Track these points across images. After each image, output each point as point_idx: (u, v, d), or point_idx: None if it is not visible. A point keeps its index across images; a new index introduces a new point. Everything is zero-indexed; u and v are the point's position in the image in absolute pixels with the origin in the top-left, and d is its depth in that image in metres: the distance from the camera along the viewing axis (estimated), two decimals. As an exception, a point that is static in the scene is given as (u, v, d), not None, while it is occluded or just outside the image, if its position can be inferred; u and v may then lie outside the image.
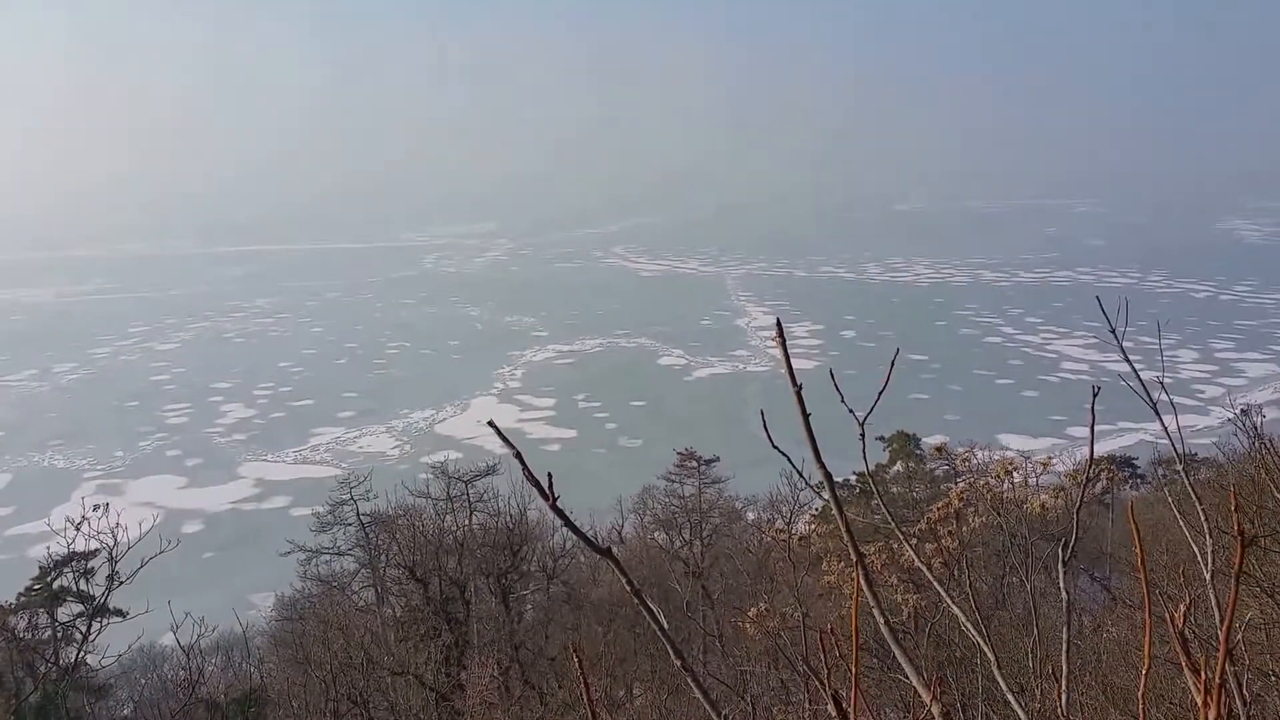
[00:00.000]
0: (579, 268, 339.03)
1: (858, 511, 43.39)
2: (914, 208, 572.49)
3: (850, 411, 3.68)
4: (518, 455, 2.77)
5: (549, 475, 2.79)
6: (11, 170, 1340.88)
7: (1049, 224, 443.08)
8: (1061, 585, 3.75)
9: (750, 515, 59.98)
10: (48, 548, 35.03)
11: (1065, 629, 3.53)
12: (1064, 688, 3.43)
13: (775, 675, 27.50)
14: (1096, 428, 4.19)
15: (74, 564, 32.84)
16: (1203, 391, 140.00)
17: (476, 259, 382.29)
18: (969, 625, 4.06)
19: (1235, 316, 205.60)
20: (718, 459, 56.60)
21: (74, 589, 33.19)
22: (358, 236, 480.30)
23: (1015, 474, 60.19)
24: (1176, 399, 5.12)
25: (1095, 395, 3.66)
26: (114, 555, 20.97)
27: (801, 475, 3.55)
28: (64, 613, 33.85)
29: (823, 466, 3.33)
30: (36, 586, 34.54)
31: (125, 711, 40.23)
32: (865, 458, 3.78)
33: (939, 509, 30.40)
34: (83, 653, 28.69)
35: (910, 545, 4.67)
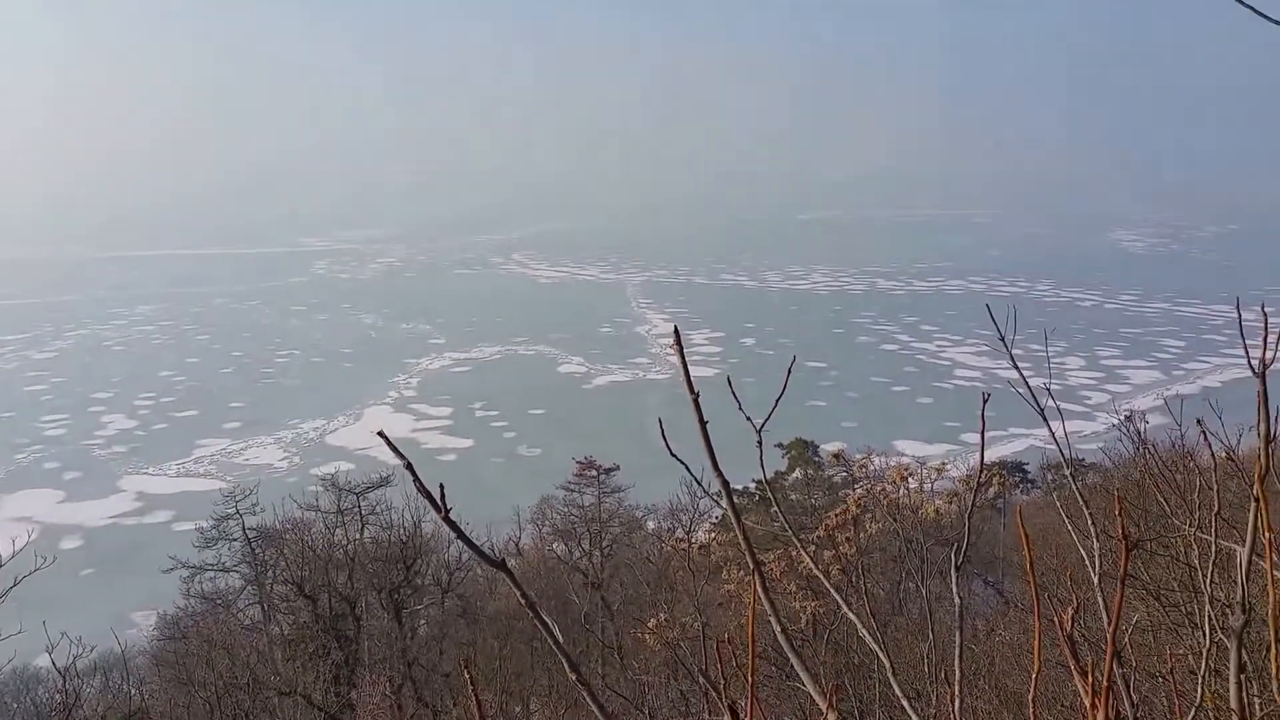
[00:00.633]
0: (477, 274, 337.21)
1: (757, 519, 43.86)
2: (815, 217, 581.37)
3: (748, 419, 3.70)
4: (408, 466, 2.72)
5: (440, 486, 2.75)
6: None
7: (947, 234, 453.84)
8: (955, 590, 3.82)
9: (650, 524, 60.24)
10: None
11: (958, 634, 3.60)
12: (957, 692, 3.49)
13: (674, 686, 27.59)
14: (988, 434, 4.28)
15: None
16: (1089, 398, 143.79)
17: (371, 265, 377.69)
18: (865, 632, 4.12)
19: (1120, 325, 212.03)
20: (617, 468, 56.64)
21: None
22: (245, 241, 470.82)
23: (911, 480, 61.57)
24: (1064, 405, 5.28)
25: (985, 402, 3.74)
26: (-16, 574, 20.15)
27: (700, 484, 3.56)
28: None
29: (720, 474, 3.35)
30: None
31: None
32: (763, 465, 3.80)
33: (837, 516, 30.90)
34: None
35: (808, 553, 4.72)
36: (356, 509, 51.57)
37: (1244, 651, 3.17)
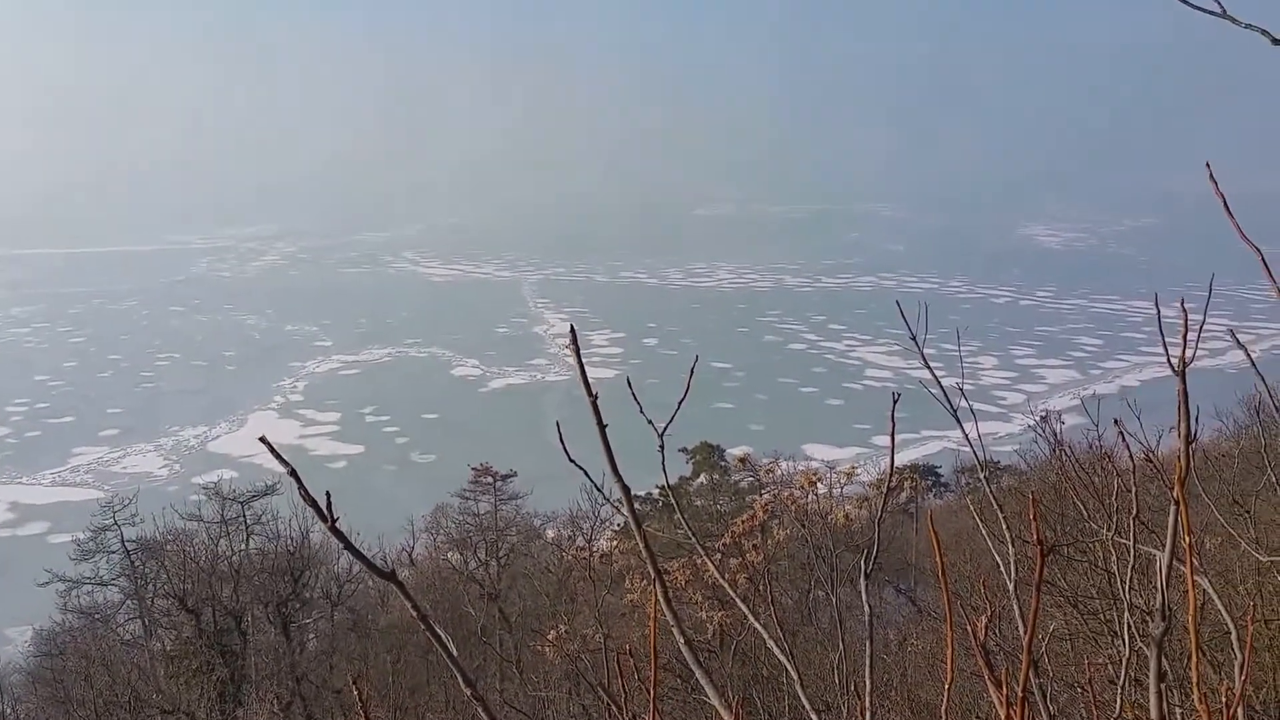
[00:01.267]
0: (366, 273, 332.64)
1: (660, 526, 44.01)
2: (714, 213, 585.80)
3: (649, 422, 3.69)
4: (293, 473, 2.65)
5: (328, 495, 2.69)
6: None
7: (851, 229, 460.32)
8: (864, 598, 3.84)
9: (550, 533, 60.06)
10: None
11: (869, 643, 3.62)
12: (868, 704, 3.51)
13: (575, 701, 27.59)
14: (899, 436, 4.33)
15: None
16: (1004, 398, 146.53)
17: (253, 263, 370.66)
18: (773, 643, 4.12)
19: (1035, 323, 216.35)
20: (515, 474, 56.54)
21: None
22: (120, 238, 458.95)
23: (820, 485, 62.25)
24: (978, 406, 5.36)
25: (895, 402, 3.78)
26: None
27: (599, 490, 3.53)
28: None
29: (620, 480, 3.33)
30: None
31: None
32: (665, 470, 3.79)
33: (743, 522, 31.07)
34: None
35: (713, 561, 4.72)
36: (241, 519, 51.44)
37: (1164, 660, 3.24)
